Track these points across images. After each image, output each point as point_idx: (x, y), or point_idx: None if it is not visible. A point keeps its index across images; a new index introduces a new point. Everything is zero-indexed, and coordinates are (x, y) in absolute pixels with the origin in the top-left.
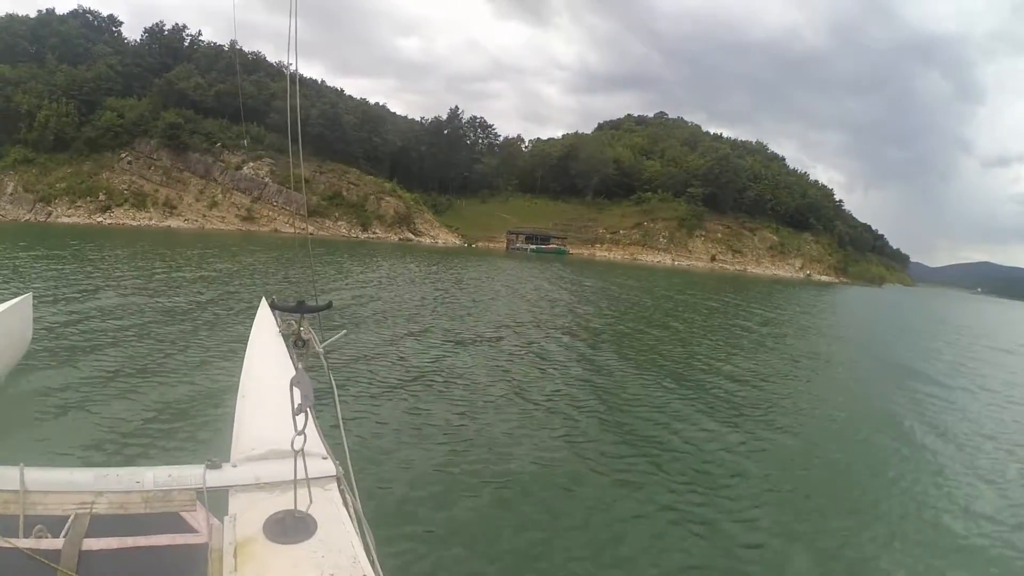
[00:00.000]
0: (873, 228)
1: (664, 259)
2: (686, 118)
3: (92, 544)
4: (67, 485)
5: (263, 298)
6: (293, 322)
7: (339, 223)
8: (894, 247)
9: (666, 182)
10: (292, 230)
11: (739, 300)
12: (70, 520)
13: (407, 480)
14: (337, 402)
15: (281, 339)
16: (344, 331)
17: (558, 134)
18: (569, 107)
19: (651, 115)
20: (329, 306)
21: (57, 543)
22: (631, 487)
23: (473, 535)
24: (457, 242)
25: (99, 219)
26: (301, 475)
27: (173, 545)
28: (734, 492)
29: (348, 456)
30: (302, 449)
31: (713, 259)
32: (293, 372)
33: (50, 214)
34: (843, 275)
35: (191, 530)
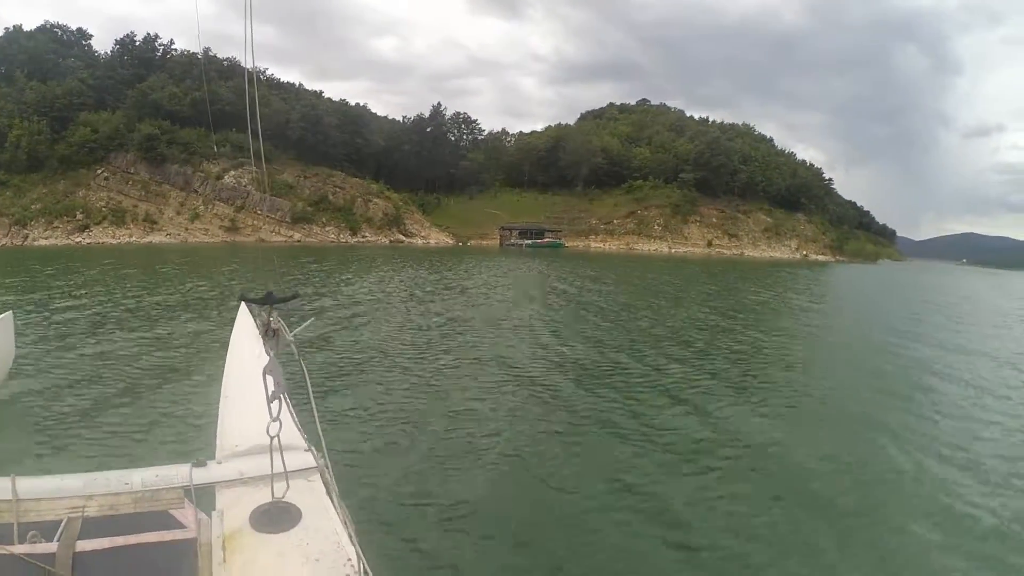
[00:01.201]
0: (859, 205)
1: (660, 247)
2: (668, 104)
3: (85, 546)
4: (58, 491)
5: (241, 300)
6: (263, 313)
7: (327, 228)
8: (880, 223)
9: (656, 169)
10: (279, 238)
11: (763, 286)
12: (63, 524)
13: (386, 467)
14: (310, 389)
15: (258, 336)
16: (312, 319)
17: (539, 127)
18: (548, 99)
19: (633, 103)
20: (296, 296)
21: (51, 547)
22: (608, 477)
23: (451, 518)
24: (449, 241)
25: (78, 239)
26: (282, 467)
27: (163, 542)
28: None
29: (324, 445)
30: (278, 435)
31: (710, 244)
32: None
33: (26, 237)
34: (839, 254)
35: (180, 526)
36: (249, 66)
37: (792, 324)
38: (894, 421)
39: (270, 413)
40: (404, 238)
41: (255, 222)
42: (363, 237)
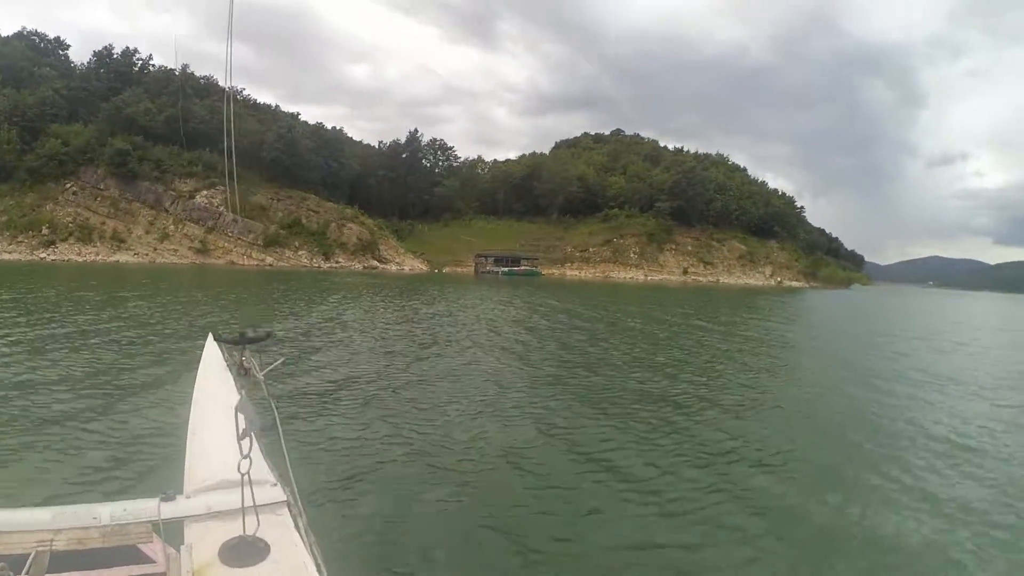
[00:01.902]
0: (827, 232)
1: (636, 275)
2: (642, 135)
3: None
4: (26, 524)
5: (209, 334)
6: (235, 353)
7: (300, 252)
8: (848, 249)
9: (632, 197)
10: (251, 262)
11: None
12: (31, 559)
13: (354, 500)
14: (279, 425)
15: (227, 373)
16: (282, 359)
17: (511, 155)
18: (520, 129)
19: (607, 132)
20: (268, 336)
21: None
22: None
23: (421, 552)
24: (423, 268)
25: (42, 255)
26: (251, 501)
27: None
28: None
29: (293, 480)
30: (248, 472)
31: (685, 272)
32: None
33: None
34: (813, 280)
35: (148, 561)
36: (227, 85)
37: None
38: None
39: (240, 450)
40: (378, 264)
41: (226, 244)
42: (336, 262)
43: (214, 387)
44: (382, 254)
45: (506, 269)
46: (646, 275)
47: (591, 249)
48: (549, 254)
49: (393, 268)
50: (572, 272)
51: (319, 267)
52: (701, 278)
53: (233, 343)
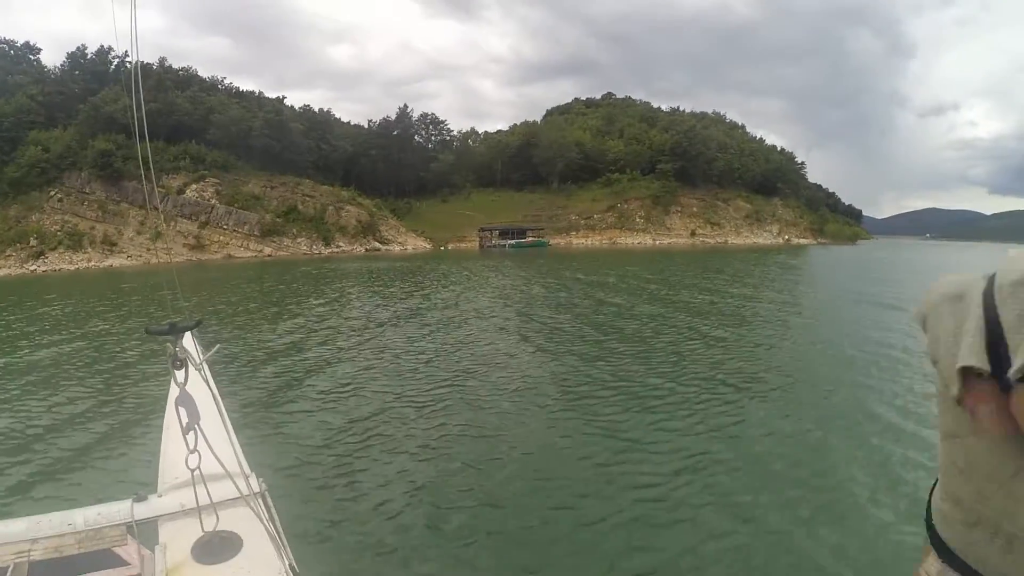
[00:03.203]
0: (824, 187)
1: (644, 239)
2: (633, 97)
3: None
4: (2, 537)
5: (147, 332)
6: (169, 344)
7: (298, 240)
8: (846, 204)
9: (632, 161)
10: (248, 253)
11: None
12: (9, 571)
13: (325, 490)
14: (225, 415)
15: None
16: (219, 346)
17: (501, 127)
18: (508, 100)
19: (598, 97)
20: (199, 323)
21: None
22: (551, 493)
23: (387, 542)
24: (427, 246)
25: (32, 267)
26: (221, 496)
27: None
28: None
29: (251, 471)
30: (199, 467)
31: (693, 234)
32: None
33: None
34: (820, 236)
35: (124, 564)
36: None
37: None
38: None
39: (187, 445)
40: (380, 245)
41: (222, 237)
42: (337, 247)
43: (190, 384)
44: (383, 235)
45: (513, 242)
46: (654, 239)
47: (596, 216)
48: (553, 223)
49: (396, 249)
50: (578, 240)
51: (320, 253)
52: (709, 239)
53: (163, 334)
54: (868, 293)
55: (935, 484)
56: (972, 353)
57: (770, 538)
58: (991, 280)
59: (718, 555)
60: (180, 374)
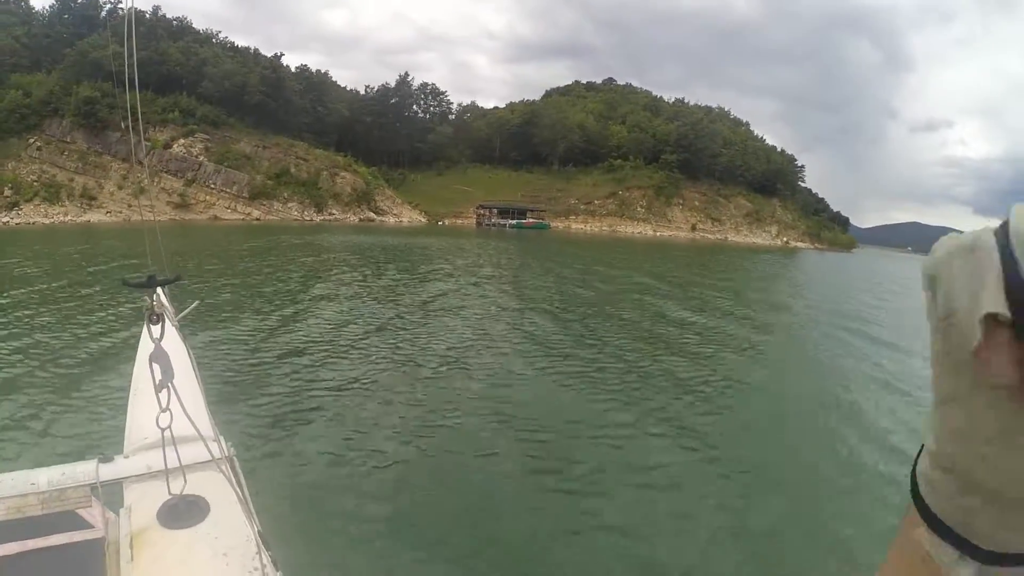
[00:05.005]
0: (813, 192)
1: (645, 229)
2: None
3: None
4: None
5: (124, 284)
6: (147, 297)
7: (289, 205)
8: (833, 210)
9: (635, 148)
10: (235, 215)
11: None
12: None
13: (294, 455)
14: (197, 375)
15: (173, 330)
16: (197, 302)
17: (492, 104)
18: (500, 77)
19: (599, 81)
20: (179, 278)
21: None
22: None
23: (358, 506)
24: (422, 220)
25: (5, 219)
26: (189, 459)
27: (71, 543)
28: None
29: (221, 435)
30: (170, 427)
31: (693, 228)
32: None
33: None
34: (817, 241)
35: (87, 526)
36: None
37: None
38: None
39: (159, 404)
40: (375, 216)
41: (208, 197)
42: (330, 215)
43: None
44: (378, 205)
45: (514, 222)
46: (655, 230)
47: (596, 202)
48: (552, 206)
49: (391, 220)
50: (577, 225)
51: (311, 220)
52: (709, 235)
53: (140, 287)
54: None
55: (919, 454)
56: (994, 300)
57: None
58: (1004, 228)
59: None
60: (156, 329)
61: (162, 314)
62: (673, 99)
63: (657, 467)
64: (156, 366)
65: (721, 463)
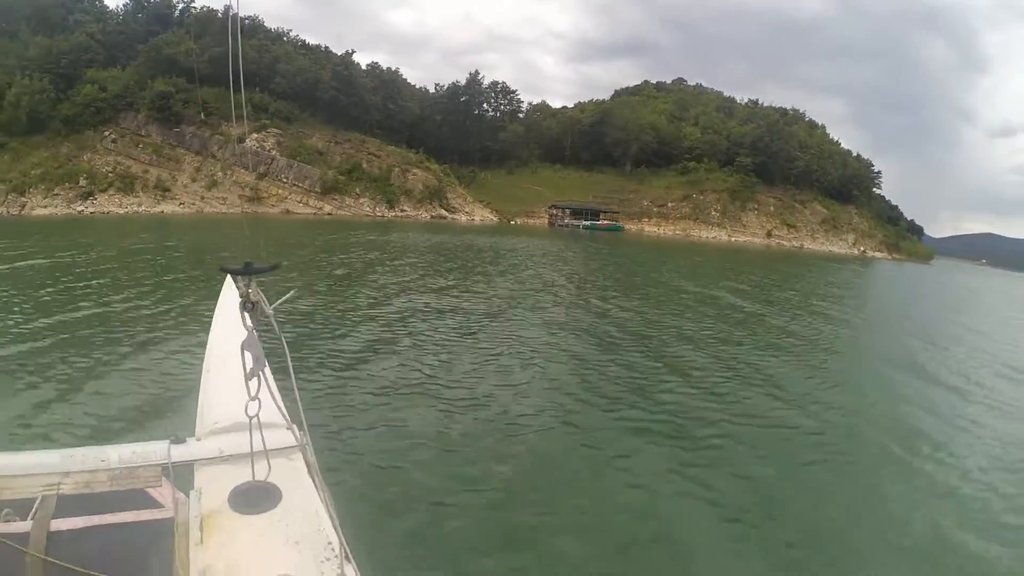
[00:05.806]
0: (887, 199)
1: (719, 234)
2: (704, 85)
3: (60, 524)
4: (33, 468)
5: (222, 271)
6: (242, 284)
7: (361, 200)
8: (908, 218)
9: (708, 151)
10: (307, 210)
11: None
12: (37, 502)
13: (369, 446)
14: (291, 365)
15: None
16: (294, 291)
17: (558, 104)
18: (565, 77)
19: (668, 81)
20: (277, 267)
21: (25, 526)
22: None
23: (435, 501)
24: (494, 219)
25: (80, 208)
26: (262, 445)
27: (139, 521)
28: None
29: (306, 423)
30: (258, 415)
31: (769, 234)
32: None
33: (24, 205)
34: (895, 251)
35: (157, 505)
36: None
37: None
38: None
39: (248, 391)
40: (447, 213)
41: (280, 191)
42: (401, 211)
43: (230, 326)
44: (450, 203)
45: (588, 223)
46: (729, 235)
47: (669, 204)
48: (625, 208)
49: (463, 219)
50: (650, 228)
51: (382, 216)
52: (785, 242)
53: (238, 273)
54: None
55: None
56: None
57: None
58: None
59: None
60: (250, 316)
61: (257, 302)
62: (746, 100)
63: None
64: (248, 354)
65: None
